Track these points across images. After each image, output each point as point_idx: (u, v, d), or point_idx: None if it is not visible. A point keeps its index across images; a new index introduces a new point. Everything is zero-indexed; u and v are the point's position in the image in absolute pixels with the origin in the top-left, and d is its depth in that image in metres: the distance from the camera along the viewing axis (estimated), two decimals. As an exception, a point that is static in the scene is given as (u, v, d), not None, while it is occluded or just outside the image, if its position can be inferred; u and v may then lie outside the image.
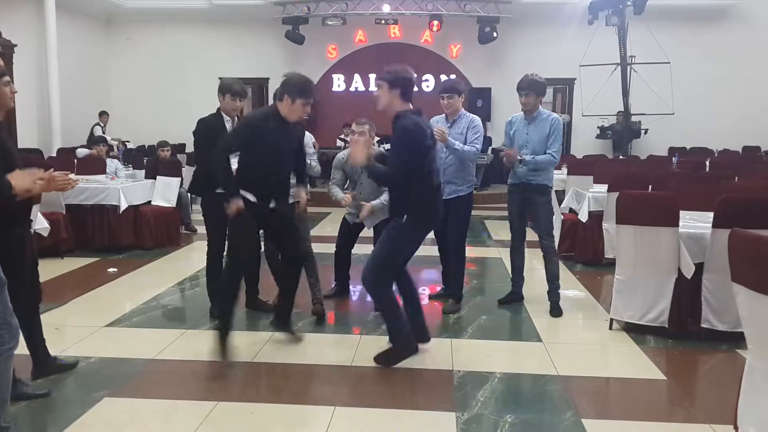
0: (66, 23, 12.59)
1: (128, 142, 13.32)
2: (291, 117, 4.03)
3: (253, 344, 4.30)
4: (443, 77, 14.37)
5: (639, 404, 3.51)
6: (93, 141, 9.66)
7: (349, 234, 5.34)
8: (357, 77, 14.83)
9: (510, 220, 5.17)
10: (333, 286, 5.49)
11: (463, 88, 5.15)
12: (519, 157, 4.85)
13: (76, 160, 8.85)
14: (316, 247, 5.27)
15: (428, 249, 7.62)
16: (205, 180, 4.50)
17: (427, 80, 14.60)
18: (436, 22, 13.30)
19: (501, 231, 8.61)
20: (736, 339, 4.03)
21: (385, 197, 4.92)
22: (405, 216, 3.83)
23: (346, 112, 13.44)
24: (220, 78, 14.15)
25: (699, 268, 4.36)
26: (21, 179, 2.77)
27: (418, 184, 3.78)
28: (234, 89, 4.66)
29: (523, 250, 5.19)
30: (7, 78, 3.19)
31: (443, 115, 5.05)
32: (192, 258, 6.85)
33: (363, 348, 4.26)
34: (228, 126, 4.66)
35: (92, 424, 3.18)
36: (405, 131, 3.70)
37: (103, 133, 12.97)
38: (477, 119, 4.99)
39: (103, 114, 13.11)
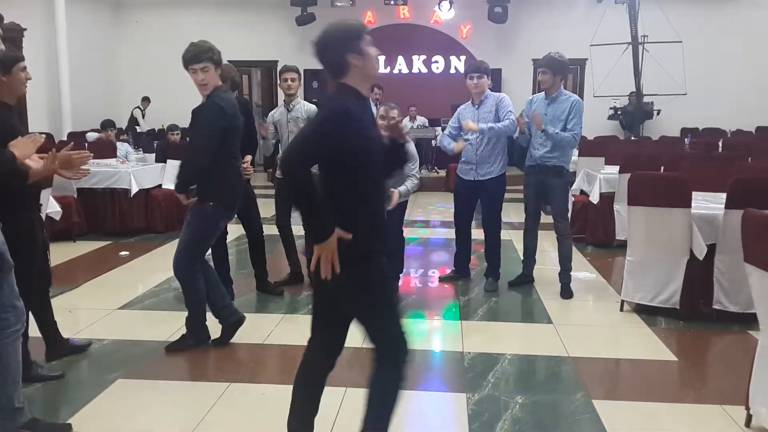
0: (75, 7, 12.57)
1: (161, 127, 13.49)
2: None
3: (264, 326, 4.32)
4: (453, 58, 14.31)
5: (650, 385, 3.51)
6: (108, 124, 9.70)
7: None
8: (366, 59, 14.72)
9: (525, 203, 5.15)
10: None
11: (488, 68, 5.16)
12: (542, 128, 4.80)
13: (86, 144, 8.87)
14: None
15: (440, 231, 7.64)
16: None
17: (436, 62, 14.49)
18: (445, 3, 13.18)
19: (511, 213, 8.57)
20: (748, 320, 4.01)
21: (410, 183, 4.86)
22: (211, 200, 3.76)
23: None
24: (228, 61, 14.23)
25: (711, 249, 4.33)
26: (22, 147, 2.76)
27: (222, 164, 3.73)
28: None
29: (536, 233, 5.18)
30: (24, 64, 3.18)
31: (468, 102, 5.09)
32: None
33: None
34: None
35: (106, 405, 3.22)
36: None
37: (143, 118, 13.28)
38: (504, 96, 5.05)
39: (144, 99, 13.28)
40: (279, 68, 5.21)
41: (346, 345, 2.55)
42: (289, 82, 5.01)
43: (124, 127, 12.26)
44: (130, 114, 13.47)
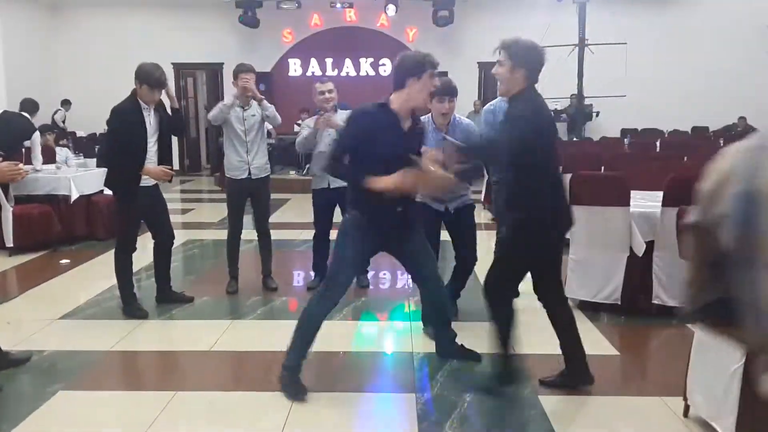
0: (10, 8, 12.19)
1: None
2: None
3: (211, 333, 4.26)
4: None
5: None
6: (46, 128, 9.40)
7: (325, 217, 5.15)
8: (314, 62, 14.64)
9: (497, 213, 5.21)
10: (314, 277, 5.28)
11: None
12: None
13: (24, 150, 8.58)
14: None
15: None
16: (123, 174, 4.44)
17: (383, 64, 14.54)
18: (391, 6, 13.26)
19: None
20: (686, 314, 4.16)
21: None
22: None
23: (303, 98, 13.27)
24: (172, 63, 13.98)
25: (650, 246, 4.47)
26: None
27: None
28: (152, 81, 4.35)
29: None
30: None
31: (427, 116, 4.19)
32: (147, 248, 6.66)
33: (322, 334, 4.26)
34: (146, 114, 4.44)
35: (48, 418, 3.13)
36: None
37: (63, 122, 12.85)
38: (471, 122, 4.49)
39: (65, 102, 13.01)
40: (230, 69, 5.21)
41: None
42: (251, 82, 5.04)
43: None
44: (51, 119, 12.73)
